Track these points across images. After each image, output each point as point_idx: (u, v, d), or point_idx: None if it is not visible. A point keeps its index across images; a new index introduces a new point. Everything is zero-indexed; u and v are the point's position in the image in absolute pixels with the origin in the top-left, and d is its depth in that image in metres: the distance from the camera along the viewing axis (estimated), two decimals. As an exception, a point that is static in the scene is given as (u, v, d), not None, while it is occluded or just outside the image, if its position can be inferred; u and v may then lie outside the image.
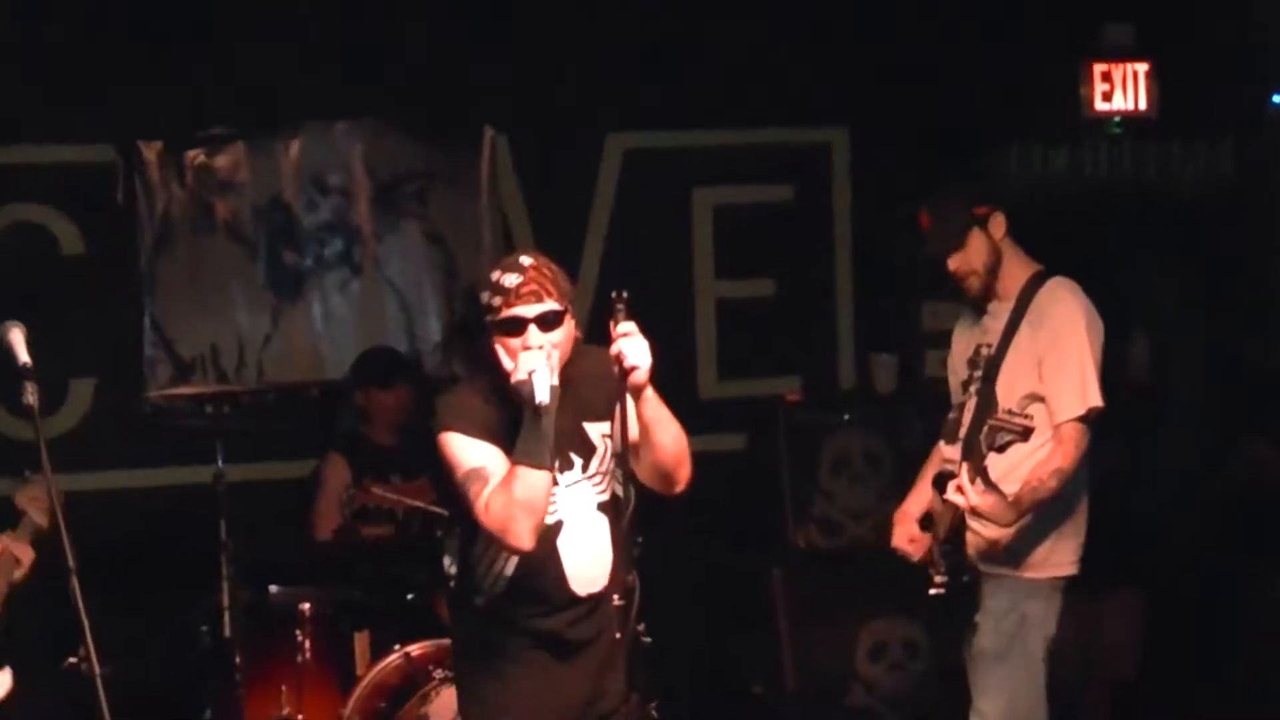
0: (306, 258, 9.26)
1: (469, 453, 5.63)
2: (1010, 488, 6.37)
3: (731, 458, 9.18)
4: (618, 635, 5.94)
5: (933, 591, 6.67)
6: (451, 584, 6.14)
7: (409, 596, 7.39)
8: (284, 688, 7.75)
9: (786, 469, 9.00)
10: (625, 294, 5.57)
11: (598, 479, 5.82)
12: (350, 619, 7.92)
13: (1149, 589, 8.94)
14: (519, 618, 5.80)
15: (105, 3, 8.70)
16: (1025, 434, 6.23)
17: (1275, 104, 9.83)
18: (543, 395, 5.42)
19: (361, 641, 7.89)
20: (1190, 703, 8.70)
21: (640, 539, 7.89)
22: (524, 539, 5.50)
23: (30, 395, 6.04)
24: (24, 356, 6.02)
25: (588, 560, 5.75)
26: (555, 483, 5.61)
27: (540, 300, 5.56)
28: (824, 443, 8.96)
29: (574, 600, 5.76)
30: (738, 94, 9.46)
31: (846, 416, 9.07)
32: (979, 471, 6.34)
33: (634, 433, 5.68)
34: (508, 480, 5.51)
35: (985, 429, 6.33)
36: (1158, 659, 8.92)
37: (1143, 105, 9.51)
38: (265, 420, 8.94)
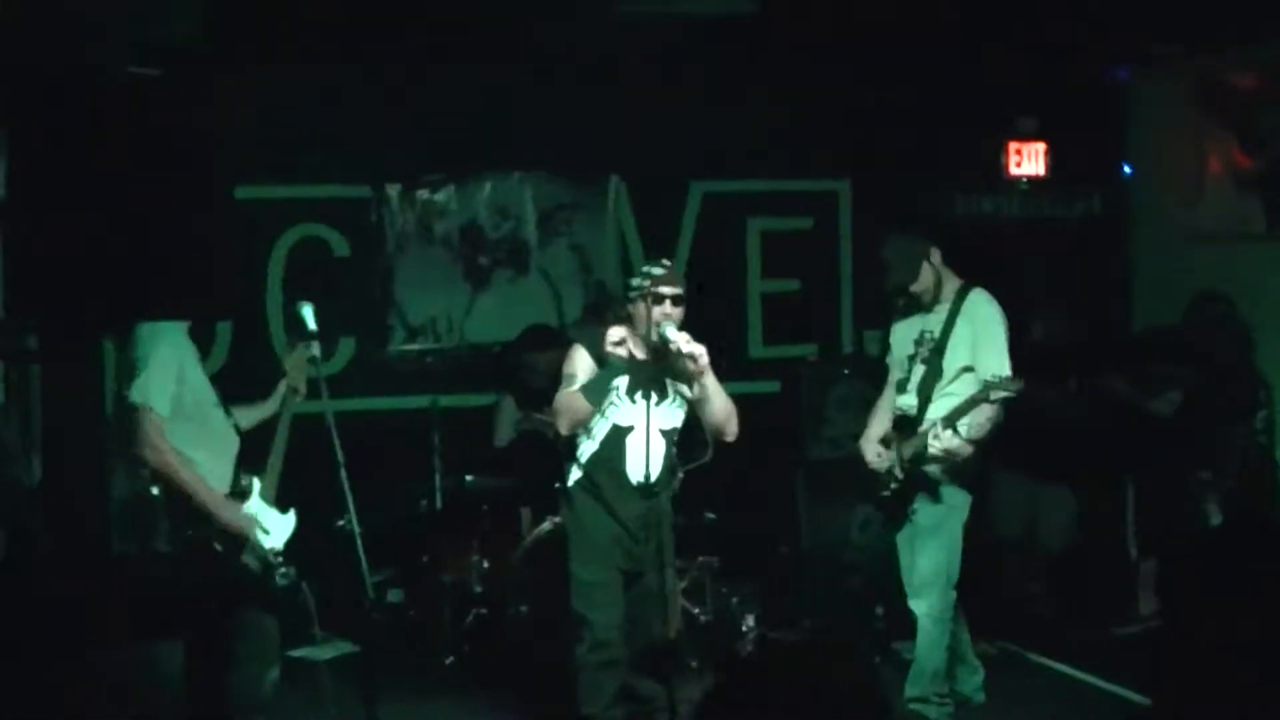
0: (491, 260, 9.28)
1: (574, 362, 5.91)
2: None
3: (771, 398, 9.11)
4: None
5: (884, 493, 6.77)
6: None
7: (556, 485, 7.49)
8: (474, 542, 7.84)
9: (807, 406, 8.90)
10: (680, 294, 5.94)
11: (667, 414, 5.93)
12: (518, 498, 7.99)
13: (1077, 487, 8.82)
14: (594, 488, 5.96)
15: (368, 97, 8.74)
16: (1019, 392, 6.28)
17: (1126, 172, 9.77)
18: (675, 339, 5.75)
19: (526, 514, 7.97)
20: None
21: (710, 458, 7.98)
22: (563, 429, 5.90)
23: (315, 349, 6.23)
24: (312, 324, 6.19)
25: (640, 459, 5.84)
26: (597, 408, 5.85)
27: (674, 286, 5.85)
28: (830, 389, 8.84)
29: (629, 483, 5.89)
30: (777, 155, 9.40)
31: (846, 371, 8.95)
32: (949, 424, 6.42)
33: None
34: (570, 395, 5.82)
35: (981, 386, 6.35)
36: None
37: (1041, 171, 9.43)
38: (464, 367, 9.03)
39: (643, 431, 5.83)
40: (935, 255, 6.66)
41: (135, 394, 5.76)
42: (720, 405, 5.91)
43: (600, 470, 5.97)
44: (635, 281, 5.97)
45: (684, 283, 5.94)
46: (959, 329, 6.61)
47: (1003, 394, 6.30)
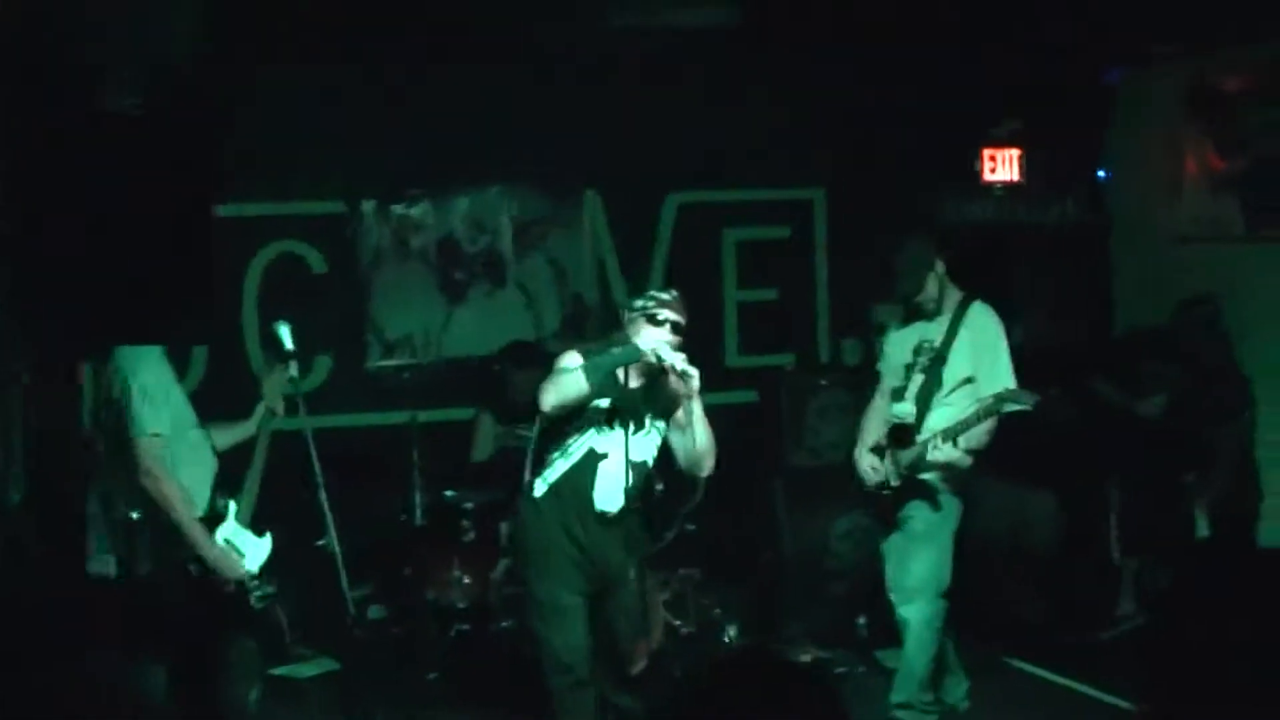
0: (468, 275, 9.26)
1: (566, 359, 5.79)
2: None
3: (749, 407, 9.21)
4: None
5: (885, 492, 6.74)
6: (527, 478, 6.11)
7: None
8: (455, 558, 7.80)
9: (786, 415, 8.96)
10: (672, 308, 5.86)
11: (642, 445, 5.86)
12: (498, 513, 7.81)
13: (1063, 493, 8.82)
14: (558, 510, 5.85)
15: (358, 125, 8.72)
16: (1035, 405, 6.27)
17: (1101, 177, 9.81)
18: (671, 359, 5.62)
19: (505, 529, 7.80)
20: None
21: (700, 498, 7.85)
22: (547, 402, 5.67)
23: (293, 369, 6.21)
24: (290, 344, 6.18)
25: (611, 488, 5.78)
26: (590, 392, 5.69)
27: (678, 315, 5.80)
28: (810, 398, 8.92)
29: (593, 510, 5.81)
30: (753, 165, 9.39)
31: (824, 381, 9.03)
32: (951, 436, 6.43)
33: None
34: (569, 369, 5.69)
35: (992, 398, 6.34)
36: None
37: (1016, 177, 9.47)
38: (442, 382, 8.99)
39: (616, 460, 5.78)
40: (940, 266, 6.69)
41: (132, 427, 5.74)
42: (702, 433, 5.82)
43: (566, 489, 5.89)
44: (639, 302, 5.92)
45: (686, 314, 5.90)
46: (960, 340, 6.63)
47: (1018, 407, 6.29)
